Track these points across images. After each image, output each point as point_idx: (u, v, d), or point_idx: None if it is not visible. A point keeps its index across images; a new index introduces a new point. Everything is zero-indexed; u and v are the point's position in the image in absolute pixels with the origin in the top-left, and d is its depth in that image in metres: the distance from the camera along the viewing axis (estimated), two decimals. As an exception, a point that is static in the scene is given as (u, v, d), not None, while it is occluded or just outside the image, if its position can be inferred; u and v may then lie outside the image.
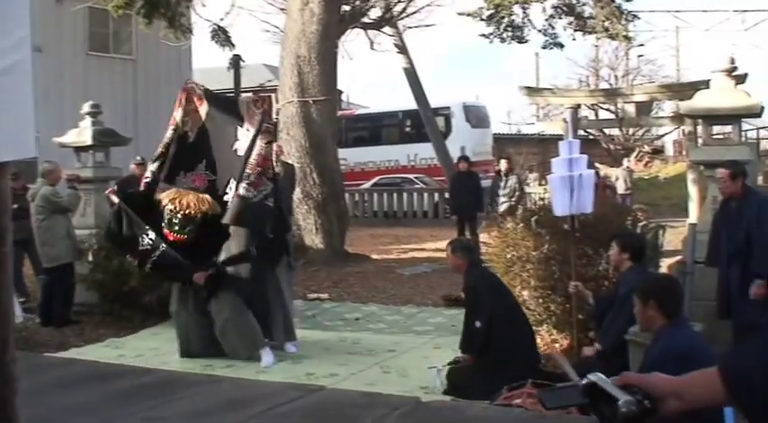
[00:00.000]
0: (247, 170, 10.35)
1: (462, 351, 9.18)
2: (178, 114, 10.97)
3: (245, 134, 10.67)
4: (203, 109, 10.95)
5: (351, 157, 37.75)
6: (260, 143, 10.46)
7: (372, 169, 39.48)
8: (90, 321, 13.36)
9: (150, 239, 10.56)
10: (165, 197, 10.57)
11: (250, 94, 11.75)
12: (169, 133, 10.96)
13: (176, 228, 10.49)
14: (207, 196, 10.59)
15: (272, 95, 11.06)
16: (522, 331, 9.25)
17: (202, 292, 10.72)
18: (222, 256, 10.64)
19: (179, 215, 10.46)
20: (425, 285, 16.69)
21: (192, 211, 10.44)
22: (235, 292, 10.55)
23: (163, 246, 10.47)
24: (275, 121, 11.24)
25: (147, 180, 10.87)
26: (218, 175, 10.79)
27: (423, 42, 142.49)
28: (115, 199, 11.04)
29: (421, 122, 36.52)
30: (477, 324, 8.91)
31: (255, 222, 10.34)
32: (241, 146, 10.65)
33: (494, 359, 8.64)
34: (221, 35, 25.73)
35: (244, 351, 10.72)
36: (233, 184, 10.48)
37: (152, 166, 10.97)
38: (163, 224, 10.57)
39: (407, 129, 41.05)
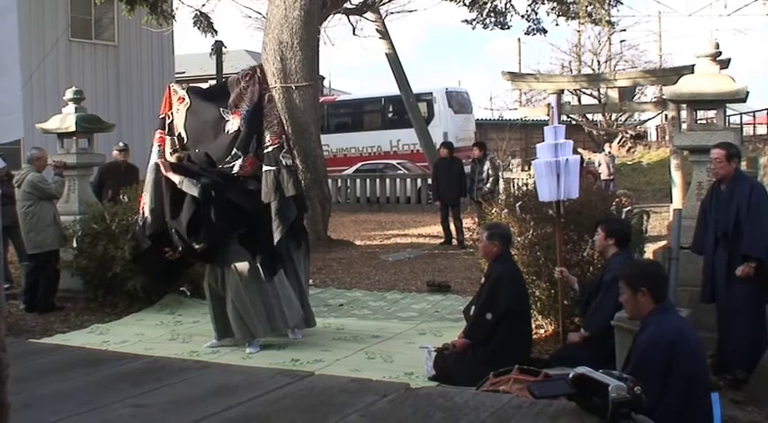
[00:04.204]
0: (270, 141, 10.66)
1: (465, 336, 9.15)
2: (167, 117, 11.08)
3: (227, 114, 10.78)
4: (183, 106, 10.95)
5: (333, 143, 37.71)
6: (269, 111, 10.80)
7: (355, 155, 39.35)
8: (74, 307, 13.38)
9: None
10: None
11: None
12: (169, 142, 10.99)
13: None
14: None
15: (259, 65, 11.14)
16: (525, 329, 9.22)
17: (216, 271, 10.67)
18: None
19: None
20: (409, 271, 16.73)
21: None
22: (245, 275, 10.47)
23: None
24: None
25: None
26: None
27: (405, 28, 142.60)
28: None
29: (403, 108, 36.44)
30: (488, 316, 8.83)
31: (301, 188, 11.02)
32: (232, 126, 10.70)
33: (490, 351, 8.62)
34: (203, 21, 25.73)
35: (238, 336, 10.63)
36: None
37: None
38: None
39: (390, 114, 40.89)
